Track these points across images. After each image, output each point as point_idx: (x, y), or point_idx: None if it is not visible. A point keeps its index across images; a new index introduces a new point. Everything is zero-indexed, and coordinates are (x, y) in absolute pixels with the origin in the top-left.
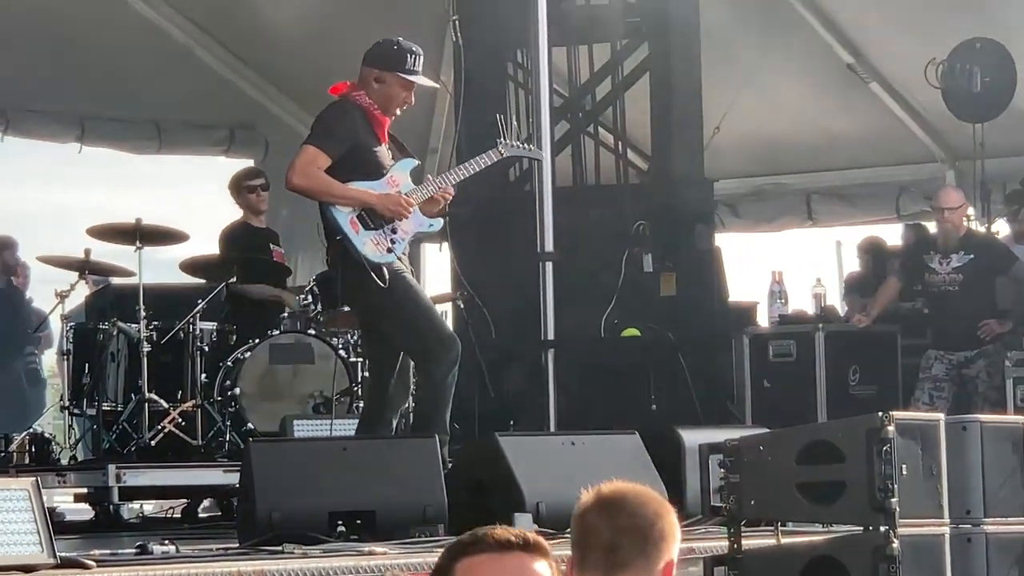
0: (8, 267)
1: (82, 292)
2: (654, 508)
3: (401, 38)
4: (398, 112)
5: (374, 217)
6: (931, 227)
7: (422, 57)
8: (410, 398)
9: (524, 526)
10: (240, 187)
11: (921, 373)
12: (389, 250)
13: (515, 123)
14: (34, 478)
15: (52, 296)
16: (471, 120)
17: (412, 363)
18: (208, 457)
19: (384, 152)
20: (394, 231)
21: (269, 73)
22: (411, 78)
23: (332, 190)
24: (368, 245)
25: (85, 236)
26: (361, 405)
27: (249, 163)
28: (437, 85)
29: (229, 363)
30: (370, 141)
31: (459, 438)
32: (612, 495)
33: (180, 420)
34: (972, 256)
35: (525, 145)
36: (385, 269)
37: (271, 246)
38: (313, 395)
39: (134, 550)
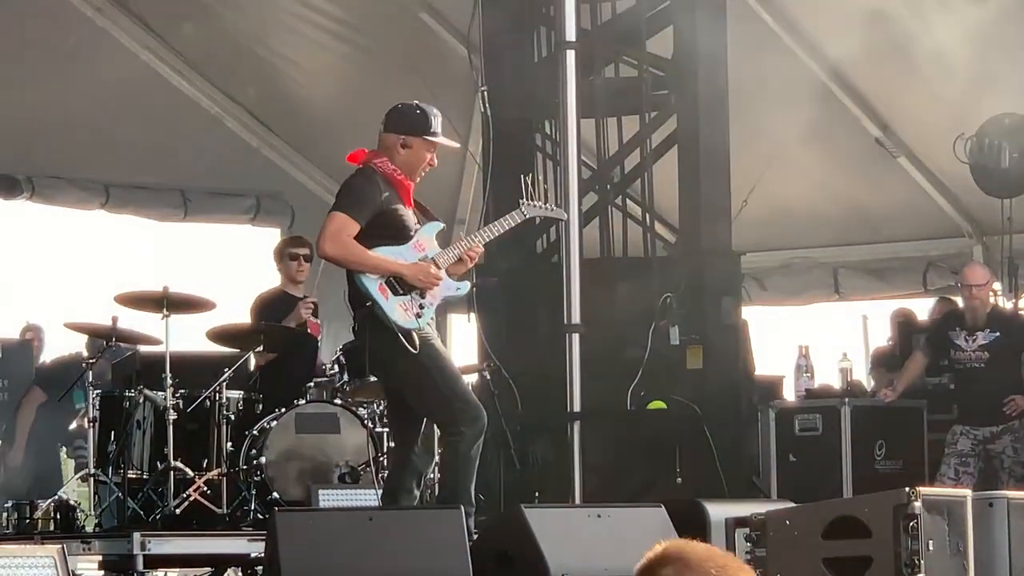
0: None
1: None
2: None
3: (418, 101)
4: (422, 175)
5: (403, 283)
6: (958, 301)
7: (441, 118)
8: (434, 466)
9: None
10: (284, 253)
11: (947, 448)
12: (418, 315)
13: (541, 183)
14: (60, 545)
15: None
16: (499, 190)
17: (437, 431)
18: (233, 526)
19: (409, 215)
20: (422, 296)
21: (296, 142)
22: (437, 140)
23: (364, 259)
24: (397, 311)
25: (112, 303)
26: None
27: (275, 232)
28: (458, 145)
29: (255, 432)
30: (396, 206)
31: (484, 509)
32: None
33: (206, 488)
34: (997, 334)
35: (548, 205)
36: (415, 335)
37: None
38: (339, 465)
39: None
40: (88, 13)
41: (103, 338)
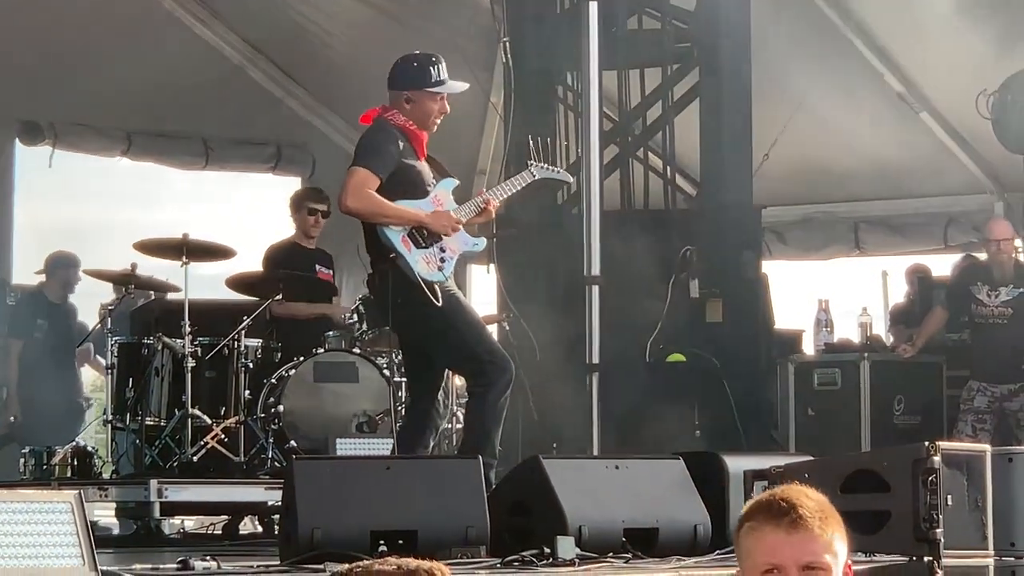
0: (68, 284)
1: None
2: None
3: (418, 51)
4: (437, 123)
5: (425, 236)
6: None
7: (444, 63)
8: (446, 418)
9: (566, 549)
10: (301, 206)
11: (963, 405)
12: (440, 268)
13: (549, 144)
14: (77, 491)
15: (95, 309)
16: (520, 142)
17: (454, 383)
18: (250, 474)
19: (425, 169)
20: (443, 250)
21: (318, 92)
22: (438, 90)
23: (385, 211)
24: (421, 263)
25: (131, 250)
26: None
27: (296, 181)
28: (466, 85)
29: (273, 380)
30: (411, 160)
31: (502, 460)
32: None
33: (223, 436)
34: (1021, 290)
35: (555, 168)
36: (438, 287)
37: (317, 266)
38: (356, 414)
39: (176, 566)
40: None
41: (122, 284)
